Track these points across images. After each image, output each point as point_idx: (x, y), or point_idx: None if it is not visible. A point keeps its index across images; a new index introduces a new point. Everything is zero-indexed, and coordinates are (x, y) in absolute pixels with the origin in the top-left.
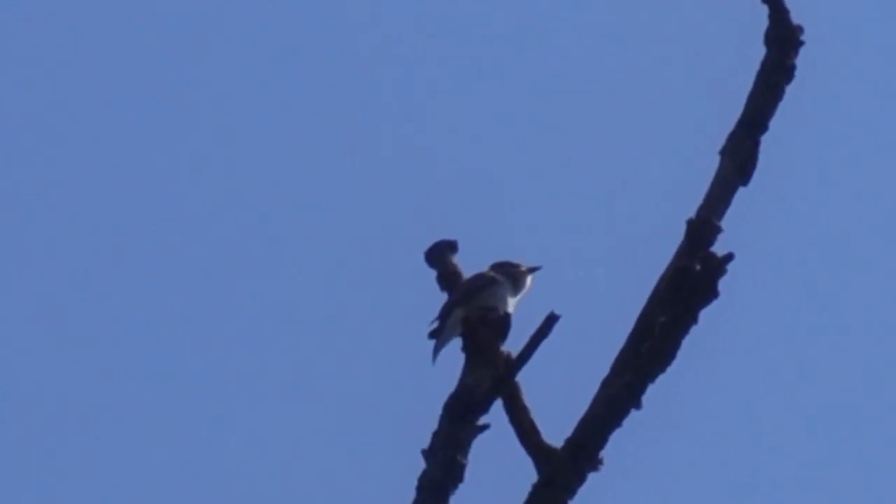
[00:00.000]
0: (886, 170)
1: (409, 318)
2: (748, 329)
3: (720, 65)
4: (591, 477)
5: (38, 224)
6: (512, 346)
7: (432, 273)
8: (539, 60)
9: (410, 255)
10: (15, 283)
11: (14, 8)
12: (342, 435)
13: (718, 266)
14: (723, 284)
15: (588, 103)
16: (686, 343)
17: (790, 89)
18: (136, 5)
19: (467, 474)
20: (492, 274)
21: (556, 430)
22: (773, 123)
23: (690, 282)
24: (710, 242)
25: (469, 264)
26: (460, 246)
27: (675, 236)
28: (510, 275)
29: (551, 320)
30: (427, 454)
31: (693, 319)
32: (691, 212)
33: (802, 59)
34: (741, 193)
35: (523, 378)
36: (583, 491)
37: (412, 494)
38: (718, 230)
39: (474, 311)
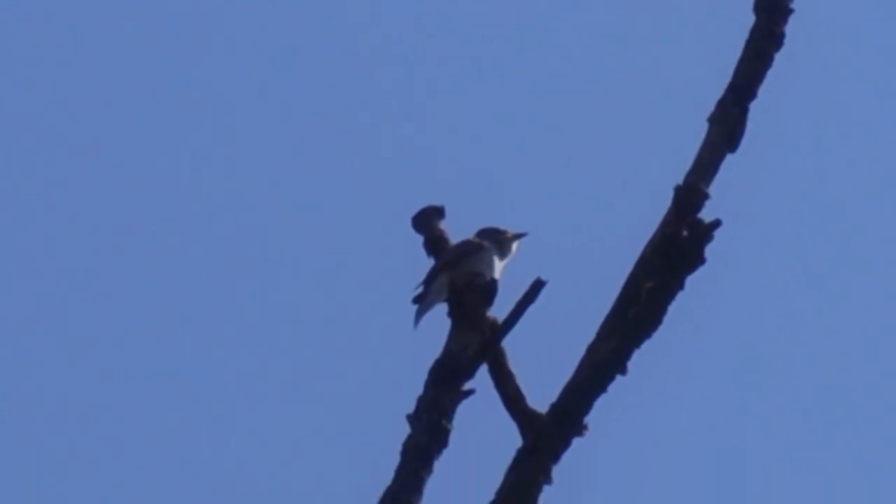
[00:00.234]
0: (874, 137)
1: (397, 284)
2: (734, 295)
3: (709, 32)
4: (576, 442)
5: (39, 224)
6: (498, 311)
7: (419, 238)
8: (539, 61)
9: (410, 255)
10: (15, 283)
11: (14, 8)
12: (326, 399)
13: (705, 232)
14: (710, 251)
15: (580, 78)
16: (672, 309)
17: (779, 56)
18: (136, 5)
19: (452, 439)
20: (478, 240)
21: (542, 396)
22: (762, 91)
23: (677, 248)
24: (698, 209)
25: (456, 231)
26: (447, 212)
27: (663, 202)
28: (496, 241)
29: (537, 286)
30: (412, 419)
31: (680, 285)
32: (679, 178)
33: (791, 27)
34: (729, 160)
35: (509, 343)
36: (567, 456)
37: (397, 459)
38: (706, 196)
39: (461, 276)
